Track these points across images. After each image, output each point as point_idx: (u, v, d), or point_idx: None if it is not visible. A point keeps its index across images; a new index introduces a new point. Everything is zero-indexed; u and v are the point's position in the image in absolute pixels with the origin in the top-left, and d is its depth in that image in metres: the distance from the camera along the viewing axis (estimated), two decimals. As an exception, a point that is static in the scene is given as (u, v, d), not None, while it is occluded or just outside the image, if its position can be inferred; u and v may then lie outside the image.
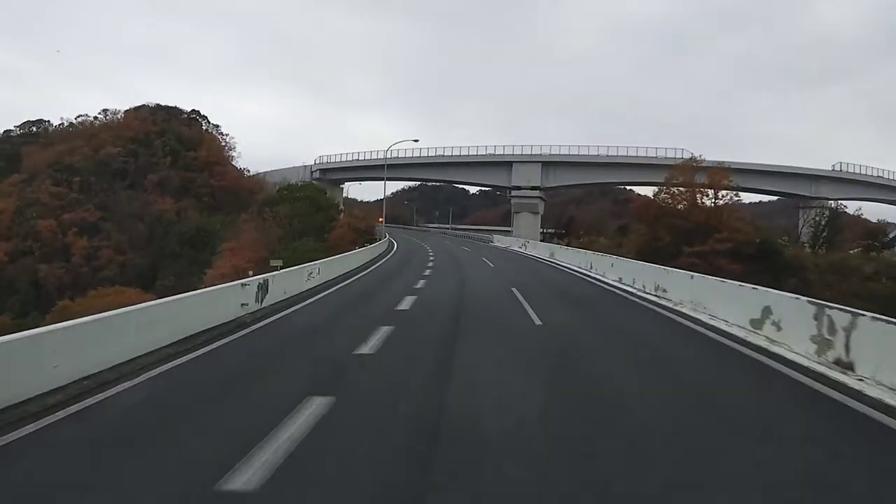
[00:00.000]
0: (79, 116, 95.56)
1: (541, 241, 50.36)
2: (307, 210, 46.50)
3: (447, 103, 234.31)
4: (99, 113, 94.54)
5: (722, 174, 36.06)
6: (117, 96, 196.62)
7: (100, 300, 44.17)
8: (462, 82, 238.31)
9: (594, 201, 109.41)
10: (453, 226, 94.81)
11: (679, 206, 36.56)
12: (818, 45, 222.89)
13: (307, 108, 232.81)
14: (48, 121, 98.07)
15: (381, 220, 53.87)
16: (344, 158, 74.56)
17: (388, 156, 59.16)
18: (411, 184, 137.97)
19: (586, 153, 67.07)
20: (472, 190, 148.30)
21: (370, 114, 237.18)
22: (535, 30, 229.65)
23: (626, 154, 66.22)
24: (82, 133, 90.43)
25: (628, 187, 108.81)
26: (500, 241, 54.68)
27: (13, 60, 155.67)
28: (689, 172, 37.34)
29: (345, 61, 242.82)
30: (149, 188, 77.48)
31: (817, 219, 52.56)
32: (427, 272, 22.99)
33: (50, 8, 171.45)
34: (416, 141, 42.29)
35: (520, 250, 42.01)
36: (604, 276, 20.78)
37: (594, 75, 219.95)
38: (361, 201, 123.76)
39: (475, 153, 70.10)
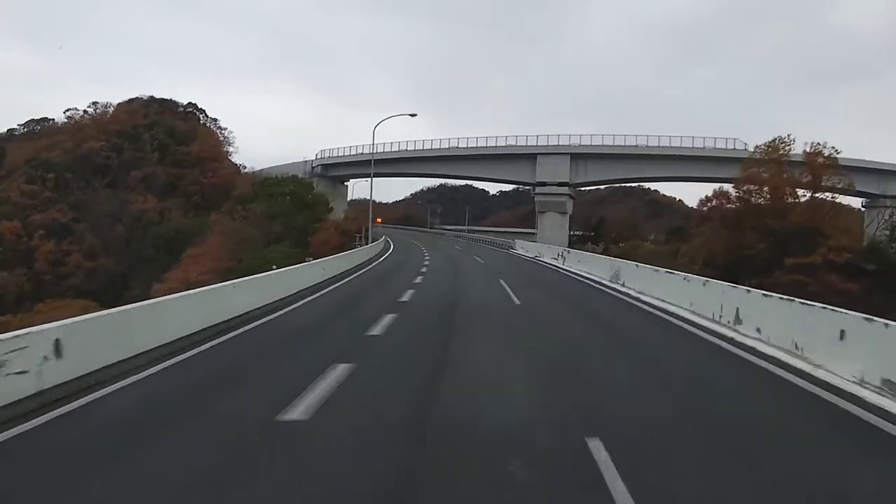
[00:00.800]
0: (67, 110, 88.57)
1: (569, 246, 40.83)
2: (288, 208, 38.05)
3: (466, 103, 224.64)
4: (89, 106, 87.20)
5: (826, 161, 26.65)
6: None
7: (44, 315, 36.54)
8: (482, 83, 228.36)
9: (618, 201, 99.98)
10: (470, 227, 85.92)
11: (764, 201, 27.30)
12: (842, 42, 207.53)
13: (321, 109, 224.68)
14: (52, 118, 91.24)
15: (379, 220, 45.22)
16: (347, 153, 66.21)
17: (380, 144, 50.92)
18: (430, 184, 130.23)
19: (622, 144, 57.67)
20: (493, 190, 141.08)
21: (387, 114, 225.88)
22: (557, 28, 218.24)
23: (668, 145, 56.78)
24: (69, 128, 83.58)
25: (652, 185, 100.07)
26: (523, 246, 42.82)
27: (33, 61, 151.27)
28: (776, 163, 27.87)
29: (360, 60, 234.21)
30: (132, 185, 70.05)
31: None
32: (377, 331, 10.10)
33: (77, 9, 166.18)
34: (414, 115, 32.63)
35: (554, 264, 28.22)
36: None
37: (620, 74, 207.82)
38: (381, 202, 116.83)
39: (494, 145, 61.14)
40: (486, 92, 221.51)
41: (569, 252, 29.66)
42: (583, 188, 66.25)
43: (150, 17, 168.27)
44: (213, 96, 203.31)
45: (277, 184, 38.59)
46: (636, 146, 57.55)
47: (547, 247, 35.69)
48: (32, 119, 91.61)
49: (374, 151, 41.55)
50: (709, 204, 33.85)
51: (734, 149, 53.24)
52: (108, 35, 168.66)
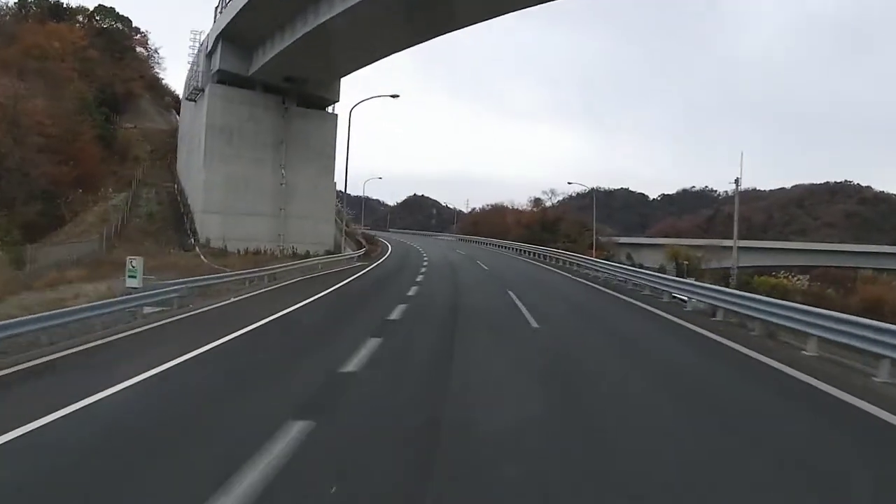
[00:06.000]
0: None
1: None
2: None
3: (614, 111, 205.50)
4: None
5: None
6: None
7: None
8: (631, 91, 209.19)
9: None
10: (633, 239, 69.11)
11: None
12: None
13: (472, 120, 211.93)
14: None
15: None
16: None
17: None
18: (578, 189, 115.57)
19: None
20: (653, 194, 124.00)
21: (532, 126, 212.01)
22: (710, 31, 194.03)
23: None
24: None
25: None
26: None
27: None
28: None
29: (505, 72, 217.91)
30: None
31: None
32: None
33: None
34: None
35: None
36: None
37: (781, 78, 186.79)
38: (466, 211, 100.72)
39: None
40: (638, 102, 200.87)
41: None
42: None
43: None
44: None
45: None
46: None
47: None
48: None
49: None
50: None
51: None
52: None
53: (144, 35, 57.58)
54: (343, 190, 36.00)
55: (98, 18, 52.20)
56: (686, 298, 15.01)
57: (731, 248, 41.57)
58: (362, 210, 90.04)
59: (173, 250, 29.81)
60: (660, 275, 21.94)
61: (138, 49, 56.38)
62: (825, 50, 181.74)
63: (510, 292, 18.16)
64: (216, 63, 33.38)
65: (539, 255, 40.18)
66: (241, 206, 33.32)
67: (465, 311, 14.50)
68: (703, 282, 20.39)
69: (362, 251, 37.00)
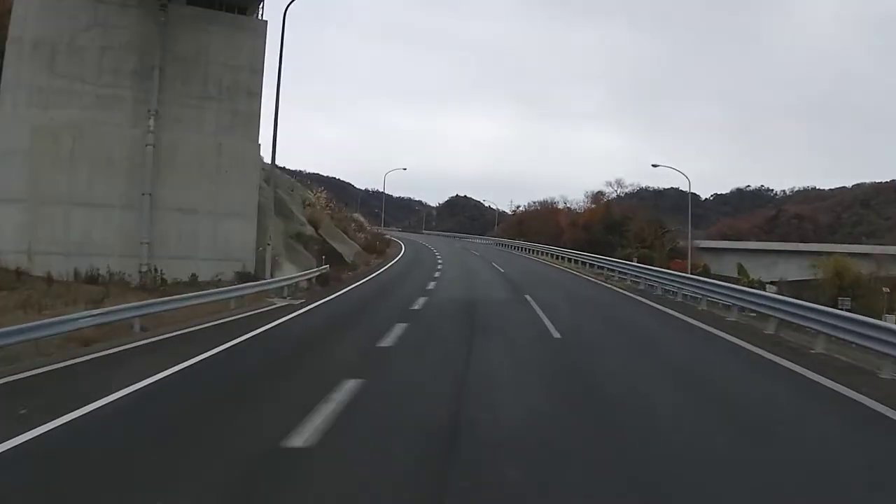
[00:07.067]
0: None
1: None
2: None
3: (668, 111, 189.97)
4: None
5: None
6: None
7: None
8: (685, 88, 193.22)
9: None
10: (721, 244, 53.73)
11: None
12: None
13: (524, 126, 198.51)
14: None
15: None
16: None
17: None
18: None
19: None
20: (704, 194, 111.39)
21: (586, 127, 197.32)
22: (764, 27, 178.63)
23: None
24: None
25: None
26: None
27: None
28: None
29: (558, 73, 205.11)
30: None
31: None
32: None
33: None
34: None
35: None
36: None
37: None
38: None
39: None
40: (693, 100, 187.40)
41: None
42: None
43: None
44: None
45: None
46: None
47: None
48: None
49: None
50: None
51: None
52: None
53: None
54: (272, 161, 19.63)
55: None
56: None
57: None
58: (382, 207, 79.66)
59: None
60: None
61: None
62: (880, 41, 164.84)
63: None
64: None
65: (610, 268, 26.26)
66: (68, 187, 17.36)
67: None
68: None
69: (320, 271, 20.79)
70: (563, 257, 34.69)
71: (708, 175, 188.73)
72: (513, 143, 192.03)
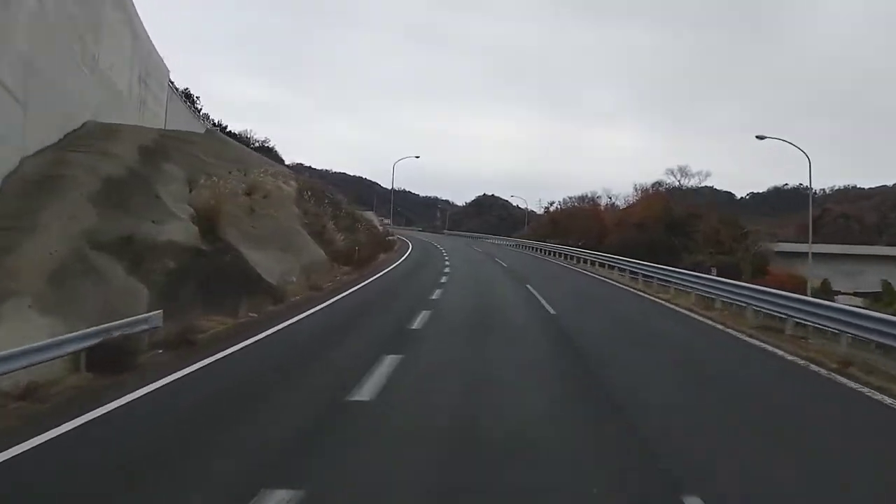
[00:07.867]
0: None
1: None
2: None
3: (693, 110, 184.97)
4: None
5: None
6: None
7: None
8: (711, 86, 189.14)
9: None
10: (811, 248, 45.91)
11: None
12: None
13: (543, 127, 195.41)
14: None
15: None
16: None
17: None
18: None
19: None
20: (740, 192, 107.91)
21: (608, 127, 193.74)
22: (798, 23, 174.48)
23: None
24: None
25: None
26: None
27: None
28: None
29: (584, 73, 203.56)
30: None
31: None
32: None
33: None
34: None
35: None
36: None
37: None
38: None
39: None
40: (719, 98, 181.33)
41: None
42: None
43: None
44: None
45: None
46: None
47: None
48: None
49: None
50: None
51: None
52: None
53: None
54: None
55: None
56: None
57: None
58: (391, 202, 74.52)
59: None
60: None
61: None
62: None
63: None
64: None
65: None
66: None
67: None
68: None
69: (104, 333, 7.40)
70: (612, 265, 26.16)
71: (742, 174, 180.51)
72: (540, 143, 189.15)
